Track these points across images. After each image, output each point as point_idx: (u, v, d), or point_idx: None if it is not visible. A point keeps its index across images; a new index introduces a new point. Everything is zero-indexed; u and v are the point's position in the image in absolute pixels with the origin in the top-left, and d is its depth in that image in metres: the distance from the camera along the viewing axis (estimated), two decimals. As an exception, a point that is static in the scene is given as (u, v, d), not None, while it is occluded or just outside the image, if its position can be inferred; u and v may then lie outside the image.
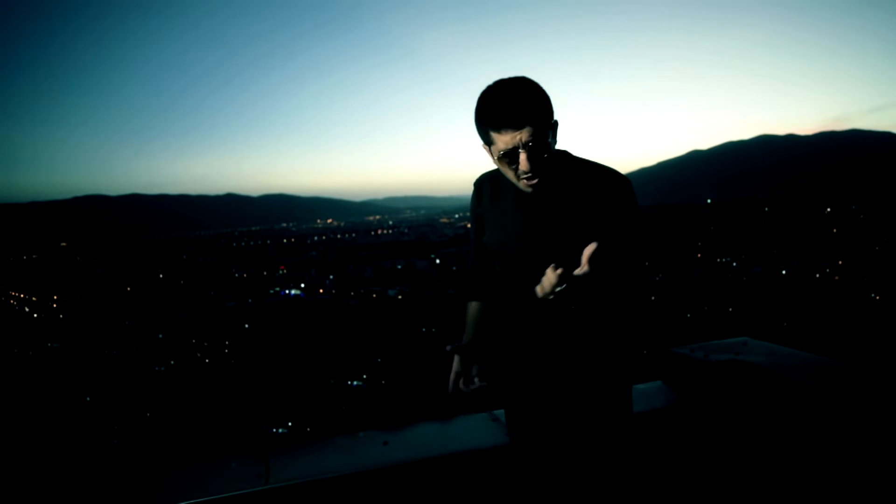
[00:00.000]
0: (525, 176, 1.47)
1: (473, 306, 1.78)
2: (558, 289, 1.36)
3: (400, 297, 79.35)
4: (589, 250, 1.32)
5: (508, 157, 1.46)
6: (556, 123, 1.51)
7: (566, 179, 1.55)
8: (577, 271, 1.34)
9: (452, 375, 1.64)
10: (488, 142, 1.50)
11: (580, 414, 1.55)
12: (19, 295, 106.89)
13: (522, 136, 1.42)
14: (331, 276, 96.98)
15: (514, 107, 1.41)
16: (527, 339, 1.60)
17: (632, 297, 1.50)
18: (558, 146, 1.58)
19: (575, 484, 1.59)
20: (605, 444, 1.55)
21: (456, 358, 1.64)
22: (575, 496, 1.59)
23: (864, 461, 1.93)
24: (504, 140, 1.44)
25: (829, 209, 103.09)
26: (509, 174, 1.51)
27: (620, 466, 1.55)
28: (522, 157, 1.43)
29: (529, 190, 1.51)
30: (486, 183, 1.72)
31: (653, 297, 64.67)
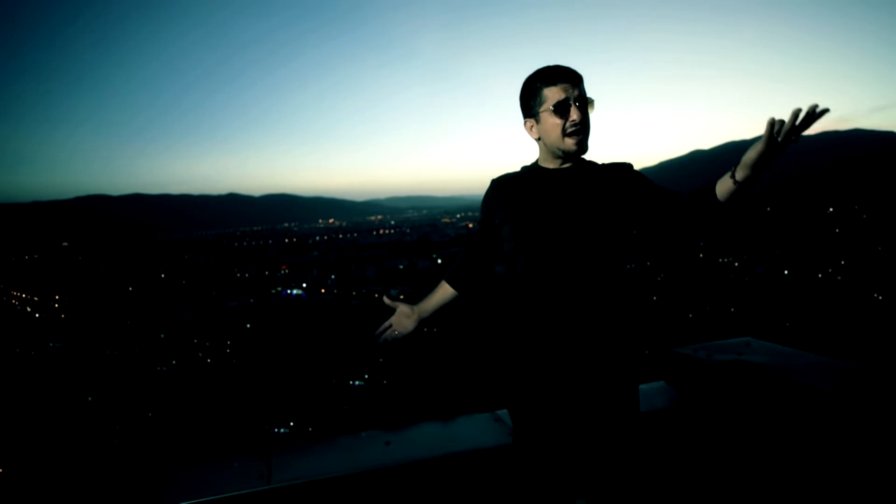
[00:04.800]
0: (574, 127, 1.55)
1: (446, 288, 1.93)
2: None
3: (402, 297, 78.72)
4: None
5: (560, 109, 1.55)
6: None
7: (588, 169, 1.64)
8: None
9: (386, 324, 1.99)
10: (535, 106, 1.59)
11: (589, 414, 1.54)
12: (21, 295, 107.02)
13: (574, 90, 1.54)
14: (332, 276, 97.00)
15: (568, 69, 1.56)
16: (546, 336, 1.59)
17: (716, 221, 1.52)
18: None
19: (580, 483, 1.58)
20: (613, 444, 1.54)
21: (398, 310, 1.97)
22: (580, 495, 1.59)
23: (869, 463, 1.92)
24: (556, 92, 1.55)
25: (831, 209, 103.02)
26: (553, 134, 1.57)
27: (628, 466, 1.55)
28: (574, 108, 1.54)
29: (573, 148, 1.57)
30: (507, 178, 1.74)
31: (654, 297, 64.66)
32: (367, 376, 51.54)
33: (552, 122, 1.56)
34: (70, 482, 1.90)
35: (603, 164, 1.64)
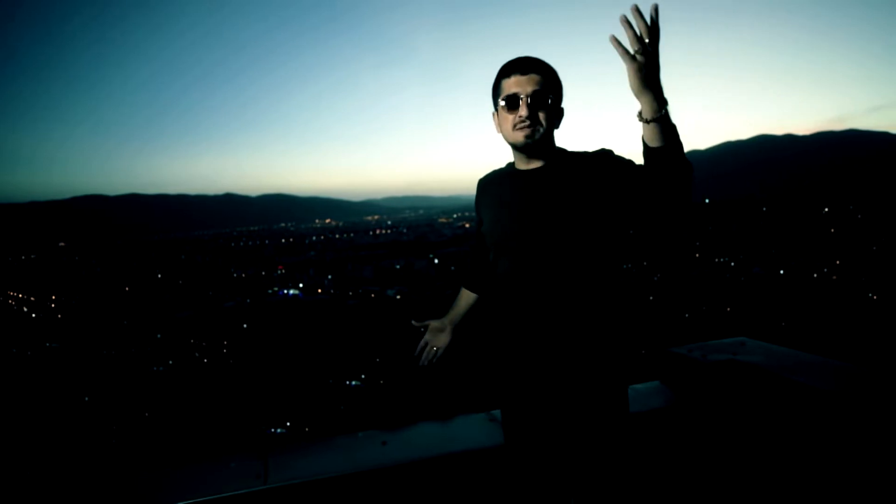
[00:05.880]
0: (522, 123, 1.50)
1: (466, 293, 1.94)
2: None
3: (398, 296, 79.25)
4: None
5: (510, 102, 1.51)
6: (562, 110, 1.57)
7: (562, 166, 1.57)
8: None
9: (420, 344, 1.93)
10: (497, 98, 1.56)
11: (577, 414, 1.54)
12: (18, 295, 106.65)
13: (527, 83, 1.49)
14: (329, 276, 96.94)
15: (525, 59, 1.52)
16: (524, 338, 1.59)
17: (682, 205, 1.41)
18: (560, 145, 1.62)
19: (570, 484, 1.59)
20: (601, 444, 1.54)
21: (430, 327, 1.93)
22: (570, 496, 1.59)
23: (863, 462, 1.93)
24: (510, 85, 1.51)
25: (826, 209, 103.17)
26: (506, 126, 1.54)
27: (617, 466, 1.55)
28: (522, 102, 1.49)
29: (521, 141, 1.52)
30: (489, 178, 1.75)
31: (651, 297, 64.75)
32: (363, 376, 51.49)
33: (504, 116, 1.53)
34: (67, 482, 1.90)
35: (581, 157, 1.55)
